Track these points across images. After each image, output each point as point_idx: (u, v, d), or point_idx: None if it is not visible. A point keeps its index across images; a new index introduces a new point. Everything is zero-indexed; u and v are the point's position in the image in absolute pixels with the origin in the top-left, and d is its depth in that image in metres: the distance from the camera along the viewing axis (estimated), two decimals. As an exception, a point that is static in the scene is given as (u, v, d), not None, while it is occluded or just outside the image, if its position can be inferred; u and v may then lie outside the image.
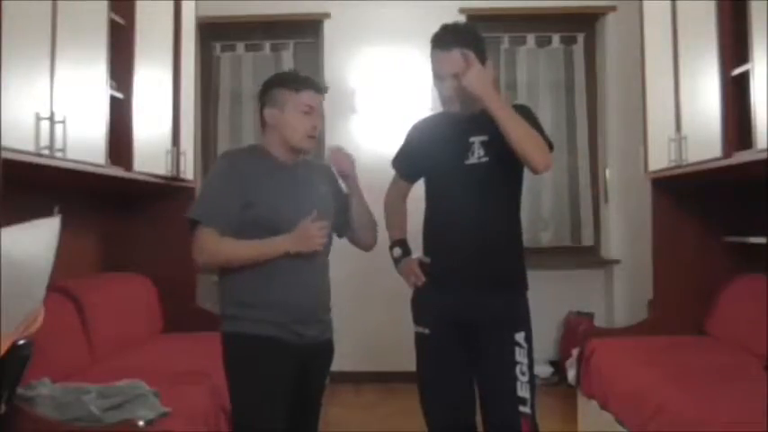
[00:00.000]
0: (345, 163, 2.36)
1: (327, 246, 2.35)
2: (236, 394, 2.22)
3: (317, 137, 2.28)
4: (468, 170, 2.34)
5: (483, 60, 2.34)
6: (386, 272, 2.55)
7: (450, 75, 2.30)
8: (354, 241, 2.47)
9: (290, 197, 2.21)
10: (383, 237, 2.54)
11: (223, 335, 2.25)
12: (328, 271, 2.36)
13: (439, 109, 2.52)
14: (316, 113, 2.25)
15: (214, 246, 2.17)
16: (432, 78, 2.39)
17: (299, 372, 2.21)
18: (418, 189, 2.59)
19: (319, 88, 2.29)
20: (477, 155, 2.33)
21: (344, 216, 2.39)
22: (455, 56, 2.28)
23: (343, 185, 2.45)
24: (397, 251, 2.52)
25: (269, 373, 2.15)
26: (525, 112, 2.43)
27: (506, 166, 2.37)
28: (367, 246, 2.47)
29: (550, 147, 2.40)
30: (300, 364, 2.21)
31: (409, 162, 2.56)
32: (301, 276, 2.21)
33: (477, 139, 2.34)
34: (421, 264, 2.45)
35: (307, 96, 2.24)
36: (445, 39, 2.32)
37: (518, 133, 2.21)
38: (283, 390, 2.17)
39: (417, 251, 2.51)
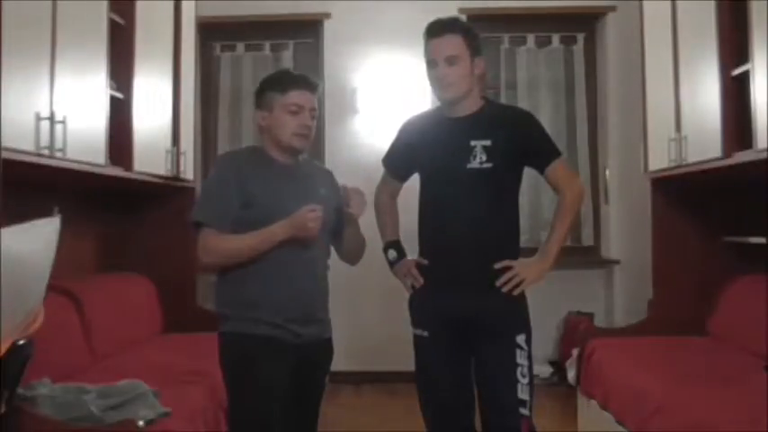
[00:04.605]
0: (358, 207, 2.30)
1: (327, 247, 2.35)
2: (234, 394, 2.22)
3: (308, 135, 2.26)
4: (468, 174, 2.32)
5: (476, 53, 2.35)
6: (385, 271, 2.55)
7: (443, 59, 2.31)
8: (339, 255, 2.44)
9: (290, 197, 2.21)
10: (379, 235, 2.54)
11: (220, 335, 2.24)
12: (327, 271, 2.35)
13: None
14: (305, 112, 2.23)
15: (219, 244, 2.17)
16: (426, 72, 2.37)
17: (298, 371, 2.21)
18: (408, 186, 2.59)
19: (309, 86, 2.26)
20: (480, 159, 2.32)
21: (337, 226, 2.36)
22: (447, 40, 2.31)
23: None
24: (392, 253, 2.51)
25: (266, 372, 2.15)
26: (529, 122, 2.44)
27: (508, 171, 2.38)
28: (350, 263, 2.47)
29: (558, 153, 2.41)
30: (299, 364, 2.20)
31: (402, 161, 2.53)
32: (299, 276, 2.21)
33: (479, 144, 2.32)
34: (418, 265, 2.44)
35: (294, 96, 2.23)
36: (437, 26, 2.35)
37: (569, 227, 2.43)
38: (281, 389, 2.17)
39: (409, 248, 2.50)
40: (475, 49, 2.35)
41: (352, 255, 2.44)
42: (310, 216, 2.12)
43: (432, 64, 2.34)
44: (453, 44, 2.31)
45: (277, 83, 2.27)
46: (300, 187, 2.26)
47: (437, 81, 2.34)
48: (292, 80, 2.27)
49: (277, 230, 2.15)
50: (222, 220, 2.17)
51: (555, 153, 2.42)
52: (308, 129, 2.25)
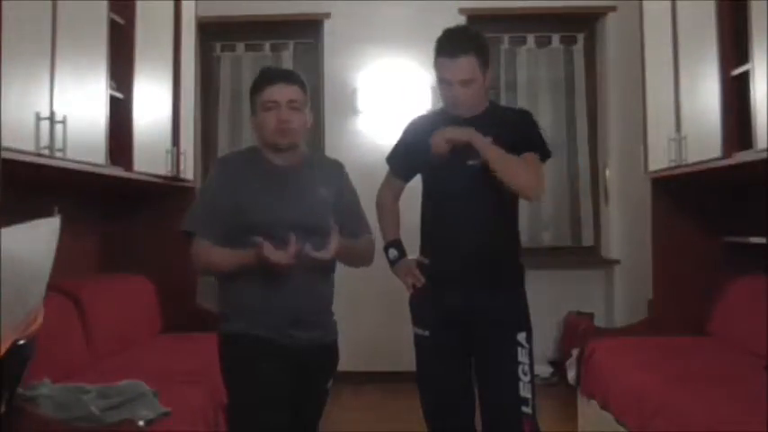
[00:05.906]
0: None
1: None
2: (232, 394, 2.21)
3: (288, 129, 2.19)
4: (469, 172, 2.33)
5: (487, 67, 2.34)
6: (386, 271, 2.54)
7: (457, 81, 2.30)
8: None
9: (283, 200, 2.19)
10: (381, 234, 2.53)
11: (219, 335, 2.24)
12: (331, 273, 2.29)
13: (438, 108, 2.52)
14: (281, 106, 2.19)
15: (202, 257, 2.19)
16: (437, 82, 2.38)
17: (298, 374, 2.18)
18: (410, 186, 2.59)
19: (283, 79, 2.24)
20: (481, 157, 2.33)
21: (350, 218, 2.31)
22: (462, 63, 2.28)
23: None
24: (393, 252, 2.50)
25: (264, 373, 2.13)
26: (525, 119, 2.44)
27: None
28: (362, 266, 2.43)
29: (548, 155, 2.41)
30: (298, 367, 2.18)
31: (406, 161, 2.53)
32: (299, 279, 2.17)
33: None
34: (419, 265, 2.44)
35: (268, 92, 2.21)
36: (451, 46, 2.31)
37: (506, 171, 2.26)
38: (279, 390, 2.14)
39: (410, 247, 2.50)
40: (486, 64, 2.34)
41: (350, 264, 2.38)
42: (273, 260, 2.06)
43: (444, 82, 2.33)
44: (468, 68, 2.29)
45: (255, 84, 2.28)
46: (296, 188, 2.23)
47: (450, 99, 2.35)
48: (265, 77, 2.26)
49: (248, 260, 2.12)
50: (210, 229, 2.17)
51: (539, 149, 2.38)
52: (287, 122, 2.19)
